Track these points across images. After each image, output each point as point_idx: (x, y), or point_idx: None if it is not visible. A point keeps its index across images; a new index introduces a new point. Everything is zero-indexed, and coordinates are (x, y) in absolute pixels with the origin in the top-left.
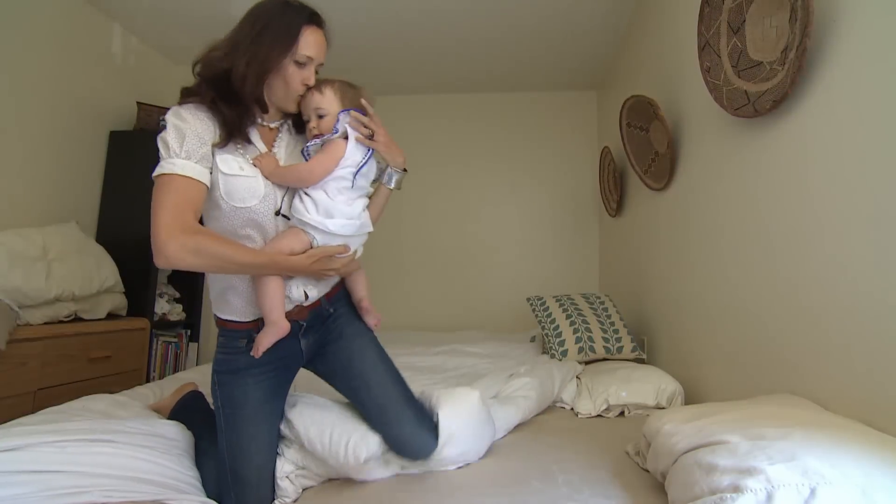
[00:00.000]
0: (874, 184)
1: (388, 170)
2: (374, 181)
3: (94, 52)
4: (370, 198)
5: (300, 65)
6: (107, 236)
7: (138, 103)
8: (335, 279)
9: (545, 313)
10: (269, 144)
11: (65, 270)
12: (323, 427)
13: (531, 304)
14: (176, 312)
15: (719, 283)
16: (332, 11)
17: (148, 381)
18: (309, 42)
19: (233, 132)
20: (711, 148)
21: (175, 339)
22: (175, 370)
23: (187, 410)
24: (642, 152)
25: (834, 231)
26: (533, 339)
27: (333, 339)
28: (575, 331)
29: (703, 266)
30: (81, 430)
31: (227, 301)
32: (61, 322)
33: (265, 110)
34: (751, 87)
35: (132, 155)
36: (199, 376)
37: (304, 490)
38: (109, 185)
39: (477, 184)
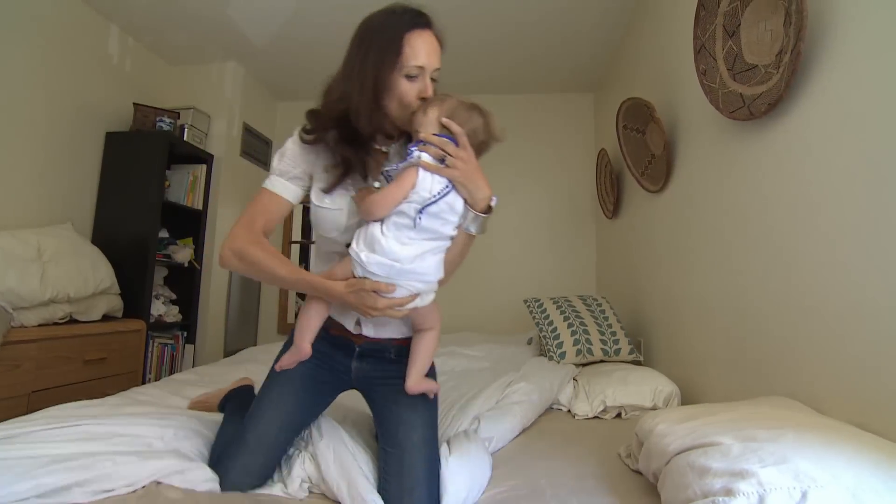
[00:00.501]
0: (868, 186)
1: (467, 210)
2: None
3: (91, 53)
4: None
5: (411, 78)
6: (102, 238)
7: (135, 104)
8: (403, 327)
9: (542, 315)
10: (378, 171)
11: (60, 272)
12: (344, 472)
13: (528, 306)
14: (172, 314)
15: (715, 285)
16: (329, 10)
17: (144, 382)
18: (416, 50)
19: (348, 172)
20: (707, 150)
21: (171, 341)
22: (171, 372)
23: (238, 396)
24: (639, 154)
25: (828, 233)
26: (530, 342)
27: (388, 393)
28: (573, 333)
29: (699, 268)
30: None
31: None
32: (56, 324)
33: (392, 138)
34: (746, 90)
35: (128, 156)
36: (196, 377)
37: (311, 493)
38: (105, 187)
39: None
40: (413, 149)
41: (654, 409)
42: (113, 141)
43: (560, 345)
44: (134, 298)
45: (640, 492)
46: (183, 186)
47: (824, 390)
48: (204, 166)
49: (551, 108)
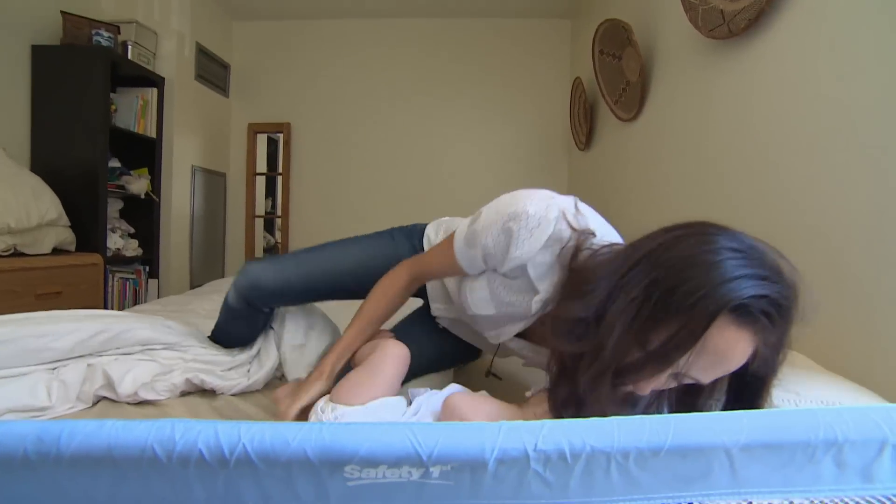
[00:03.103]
0: (848, 109)
1: None
2: None
3: None
4: None
5: (673, 374)
6: (43, 166)
7: (63, 13)
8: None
9: None
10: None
11: None
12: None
13: None
14: (131, 248)
15: (682, 214)
16: None
17: None
18: (709, 345)
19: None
20: (683, 74)
21: (133, 276)
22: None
23: None
24: (614, 81)
25: (797, 159)
26: None
27: None
28: None
29: (667, 197)
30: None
31: None
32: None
33: None
34: (727, 5)
35: (63, 74)
36: (160, 307)
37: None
38: (39, 109)
39: (444, 115)
40: None
41: None
42: (41, 56)
43: None
44: (87, 231)
45: None
46: (132, 111)
47: None
48: (154, 90)
49: (526, 34)
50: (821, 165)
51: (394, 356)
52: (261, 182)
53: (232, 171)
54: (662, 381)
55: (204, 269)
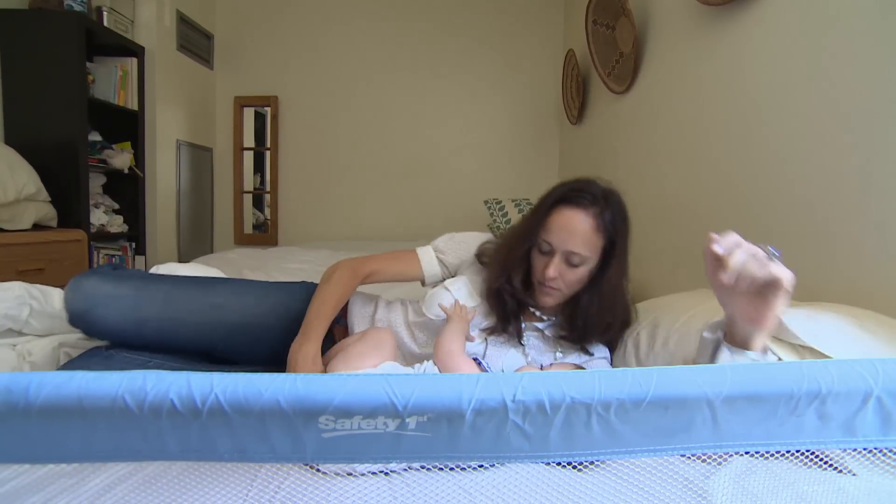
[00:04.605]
0: (840, 77)
1: None
2: None
3: None
4: None
5: (542, 252)
6: (18, 139)
7: None
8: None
9: (503, 217)
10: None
11: None
12: None
13: (489, 207)
14: (116, 224)
15: (670, 185)
16: None
17: None
18: (553, 224)
19: (498, 325)
20: (677, 45)
21: (119, 253)
22: None
23: None
24: (607, 53)
25: (789, 126)
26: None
27: None
28: None
29: (660, 170)
30: None
31: None
32: None
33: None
34: None
35: (34, 41)
36: None
37: None
38: (10, 78)
39: (435, 88)
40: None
41: None
42: (8, 21)
43: None
44: (69, 207)
45: None
46: (111, 82)
47: None
48: (134, 60)
49: (517, 5)
50: (814, 135)
51: (386, 331)
52: (248, 157)
53: (219, 145)
54: (552, 260)
55: (192, 246)
